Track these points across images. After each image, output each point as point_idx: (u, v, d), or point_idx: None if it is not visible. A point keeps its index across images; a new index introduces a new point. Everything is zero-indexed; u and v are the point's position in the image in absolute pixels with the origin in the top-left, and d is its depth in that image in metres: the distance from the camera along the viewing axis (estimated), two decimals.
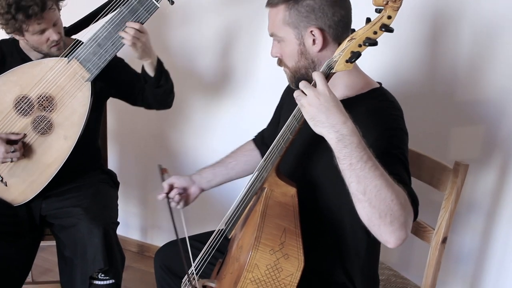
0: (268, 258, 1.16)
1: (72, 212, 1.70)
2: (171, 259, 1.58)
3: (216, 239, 1.42)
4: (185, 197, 1.58)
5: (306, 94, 1.11)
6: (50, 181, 1.73)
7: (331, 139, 1.09)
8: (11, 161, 1.66)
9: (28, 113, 1.67)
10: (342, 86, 1.31)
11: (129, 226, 2.71)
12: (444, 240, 1.61)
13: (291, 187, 1.23)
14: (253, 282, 1.17)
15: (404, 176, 1.19)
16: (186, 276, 1.41)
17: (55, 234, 1.77)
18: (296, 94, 1.13)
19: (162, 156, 2.50)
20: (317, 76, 1.11)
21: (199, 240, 1.54)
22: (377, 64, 1.97)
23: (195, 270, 1.39)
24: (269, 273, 1.17)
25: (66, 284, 1.73)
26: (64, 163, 1.72)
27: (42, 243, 1.88)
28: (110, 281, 1.68)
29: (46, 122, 1.68)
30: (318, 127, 1.10)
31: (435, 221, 1.60)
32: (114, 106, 2.37)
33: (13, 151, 1.63)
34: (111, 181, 1.97)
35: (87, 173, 1.90)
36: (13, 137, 1.66)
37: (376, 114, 1.25)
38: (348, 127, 1.08)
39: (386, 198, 1.06)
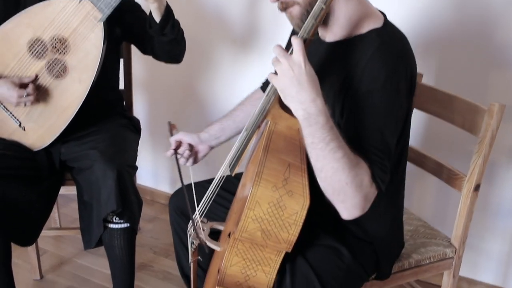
0: (270, 195, 1.10)
1: (89, 154, 1.69)
2: (184, 203, 1.54)
3: (220, 179, 1.38)
4: (194, 154, 1.54)
5: (280, 62, 1.06)
6: (69, 125, 1.72)
7: (298, 115, 1.07)
8: (25, 105, 1.65)
9: (42, 55, 1.66)
10: (340, 22, 1.21)
11: (159, 178, 2.71)
12: (477, 188, 1.50)
13: (296, 120, 1.15)
14: (254, 221, 1.12)
15: (380, 148, 1.13)
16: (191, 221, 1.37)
17: (75, 178, 1.77)
18: (273, 59, 1.08)
19: (191, 106, 2.47)
20: (295, 44, 1.05)
21: (205, 186, 1.50)
22: (405, 7, 1.86)
23: (199, 212, 1.35)
24: (272, 211, 1.11)
25: (84, 229, 1.74)
26: (83, 107, 1.70)
27: (71, 192, 1.90)
28: (125, 225, 1.67)
29: (60, 65, 1.66)
30: (287, 100, 1.07)
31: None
32: (140, 55, 2.35)
33: (26, 95, 1.62)
34: (132, 126, 1.94)
35: (107, 118, 1.88)
36: (26, 80, 1.64)
37: (374, 65, 1.14)
38: (317, 106, 1.05)
39: (341, 180, 1.07)
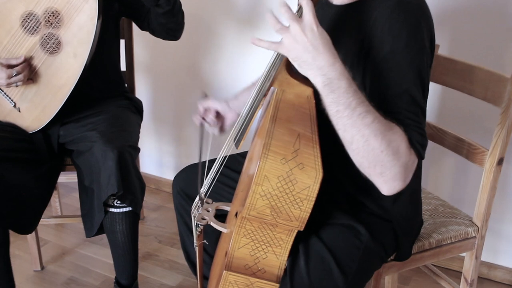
0: (279, 168, 1.01)
1: (88, 136, 1.62)
2: (188, 184, 1.48)
3: (224, 157, 1.30)
4: (221, 122, 1.44)
5: (289, 28, 0.97)
6: (67, 106, 1.64)
7: (317, 83, 0.98)
8: (17, 86, 1.58)
9: (35, 30, 1.58)
10: None
11: (163, 166, 2.64)
12: (500, 162, 1.42)
13: (306, 87, 1.06)
14: (263, 197, 1.03)
15: (413, 110, 1.04)
16: (196, 200, 1.30)
17: (74, 162, 1.70)
18: (277, 27, 0.99)
19: (195, 87, 2.39)
20: (305, 5, 0.96)
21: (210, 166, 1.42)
22: None
23: (204, 192, 1.27)
24: (282, 186, 1.02)
25: (86, 215, 1.67)
26: (81, 87, 1.62)
27: (73, 180, 1.84)
28: (127, 209, 1.59)
29: (54, 39, 1.58)
30: (303, 69, 0.98)
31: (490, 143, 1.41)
32: (142, 38, 2.28)
33: (16, 74, 1.55)
34: (134, 107, 1.87)
35: (107, 99, 1.81)
36: (13, 62, 1.57)
37: (394, 24, 1.05)
38: (337, 70, 0.96)
39: (375, 149, 0.98)
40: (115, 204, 1.58)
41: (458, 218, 1.51)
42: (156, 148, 2.58)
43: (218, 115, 1.42)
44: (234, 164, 1.44)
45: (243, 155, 1.43)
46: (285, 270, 1.13)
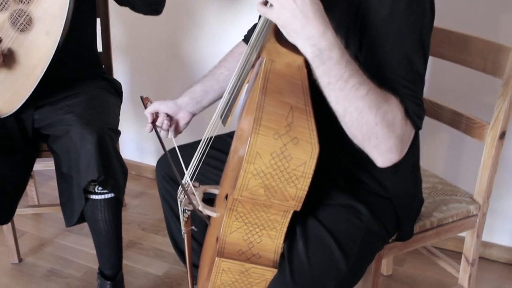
0: (272, 144, 0.94)
1: (65, 119, 1.52)
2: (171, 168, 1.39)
3: (209, 138, 1.23)
4: (174, 124, 1.36)
5: None
6: (42, 88, 1.54)
7: (307, 53, 0.91)
8: None
9: (4, 7, 1.47)
10: None
11: (144, 151, 2.56)
12: (502, 135, 1.37)
13: (297, 56, 0.98)
14: (255, 176, 0.96)
15: (410, 78, 0.98)
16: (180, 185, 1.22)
17: (51, 148, 1.61)
18: None
19: (176, 68, 2.30)
20: None
21: (194, 147, 1.34)
22: None
23: (190, 175, 1.20)
24: (275, 163, 0.95)
25: (65, 203, 1.58)
26: (56, 67, 1.53)
27: (49, 167, 1.75)
28: (109, 195, 1.51)
29: (24, 16, 1.47)
30: (292, 38, 0.91)
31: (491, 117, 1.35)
32: (118, 15, 2.18)
33: None
34: (112, 88, 1.78)
35: (84, 80, 1.71)
36: None
37: None
38: (328, 39, 0.89)
39: (368, 122, 0.93)
40: (96, 191, 1.49)
41: (458, 195, 1.46)
42: (136, 132, 2.50)
43: (170, 118, 1.34)
44: (221, 145, 1.36)
45: (230, 135, 1.36)
46: (282, 254, 1.07)
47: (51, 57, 1.50)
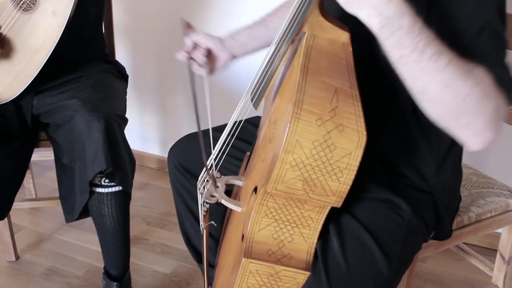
0: (314, 131, 0.84)
1: (68, 105, 1.41)
2: (188, 156, 1.29)
3: (237, 123, 1.12)
4: (212, 62, 1.24)
5: None
6: (43, 72, 1.43)
7: (373, 24, 0.79)
8: None
9: None
10: None
11: (147, 140, 2.46)
12: None
13: (342, 31, 0.88)
14: (294, 167, 0.86)
15: (496, 45, 0.87)
16: (202, 173, 1.11)
17: (51, 137, 1.50)
18: None
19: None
20: None
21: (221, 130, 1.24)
22: None
23: (214, 162, 1.09)
24: (317, 153, 0.85)
25: (65, 196, 1.48)
26: (59, 51, 1.41)
27: (48, 158, 1.65)
28: (117, 188, 1.40)
29: None
30: (353, 8, 0.80)
31: None
32: None
33: None
34: (117, 72, 1.67)
35: (87, 63, 1.60)
36: None
37: None
38: (395, 6, 0.77)
39: (455, 96, 0.80)
40: (103, 183, 1.39)
41: (496, 188, 1.36)
42: (138, 119, 2.41)
43: (209, 54, 1.22)
44: (241, 132, 1.26)
45: (250, 121, 1.25)
46: (315, 255, 0.97)
47: (58, 39, 1.39)
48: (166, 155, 2.50)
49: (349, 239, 0.97)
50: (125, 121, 1.49)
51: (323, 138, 0.84)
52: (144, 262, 1.86)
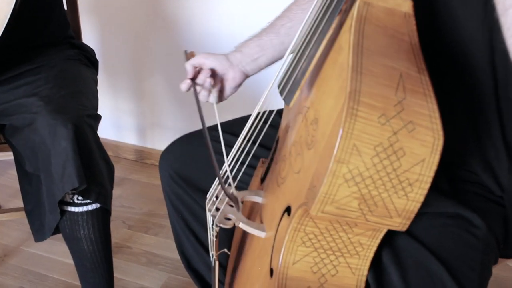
0: (377, 132, 0.64)
1: (26, 104, 1.20)
2: (185, 163, 1.11)
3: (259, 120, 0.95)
4: (220, 84, 1.11)
5: None
6: None
7: None
8: None
9: None
10: None
11: (122, 128, 2.32)
12: None
13: None
14: (349, 182, 0.66)
15: None
16: (213, 186, 0.92)
17: (8, 141, 1.28)
18: None
19: (156, 29, 2.05)
20: None
21: (231, 131, 1.07)
22: None
23: (230, 174, 0.90)
24: (381, 161, 0.65)
25: (32, 213, 1.27)
26: (10, 35, 1.20)
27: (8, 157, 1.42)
28: (93, 206, 1.19)
29: None
30: None
31: None
32: None
33: None
34: (85, 58, 1.45)
35: (48, 49, 1.39)
36: None
37: None
38: None
39: None
40: (75, 202, 1.18)
41: None
42: (112, 106, 2.27)
43: (214, 75, 1.09)
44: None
45: (266, 120, 1.07)
46: None
47: (7, 19, 1.16)
48: (144, 144, 2.35)
49: (412, 269, 0.79)
50: (97, 119, 1.28)
51: (388, 141, 0.65)
52: (129, 277, 1.67)
